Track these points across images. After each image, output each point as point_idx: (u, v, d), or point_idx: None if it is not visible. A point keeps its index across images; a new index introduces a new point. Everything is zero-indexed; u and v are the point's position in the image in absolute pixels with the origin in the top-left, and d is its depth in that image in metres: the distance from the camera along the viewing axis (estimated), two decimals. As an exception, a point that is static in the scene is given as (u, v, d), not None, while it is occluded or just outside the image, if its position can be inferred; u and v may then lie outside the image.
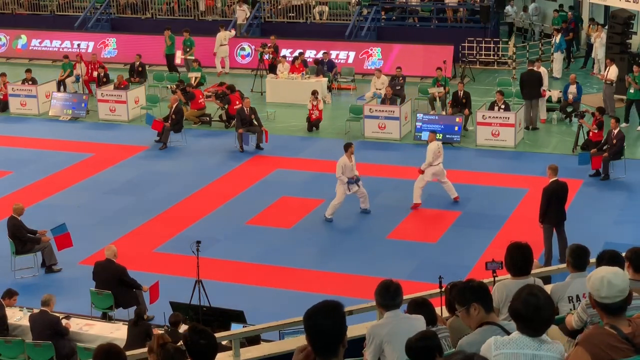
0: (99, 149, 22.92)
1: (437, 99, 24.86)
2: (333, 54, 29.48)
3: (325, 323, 4.53)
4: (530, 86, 23.38)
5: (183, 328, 11.75)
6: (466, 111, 23.34)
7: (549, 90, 24.73)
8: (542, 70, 23.92)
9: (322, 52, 29.12)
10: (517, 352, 4.82)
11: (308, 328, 4.58)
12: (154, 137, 23.27)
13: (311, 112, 23.88)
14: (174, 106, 23.17)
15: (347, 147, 18.12)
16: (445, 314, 8.37)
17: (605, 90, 24.09)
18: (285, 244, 17.11)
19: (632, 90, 23.08)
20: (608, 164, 19.67)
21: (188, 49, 29.60)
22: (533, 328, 4.84)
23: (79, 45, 29.90)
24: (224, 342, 9.88)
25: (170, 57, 29.77)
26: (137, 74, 28.25)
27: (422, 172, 18.34)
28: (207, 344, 5.23)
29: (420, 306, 7.40)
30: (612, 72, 23.96)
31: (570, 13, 31.20)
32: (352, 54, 30.05)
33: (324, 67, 27.98)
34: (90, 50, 31.30)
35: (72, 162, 21.96)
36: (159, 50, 30.05)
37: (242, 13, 31.88)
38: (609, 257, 6.51)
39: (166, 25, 31.50)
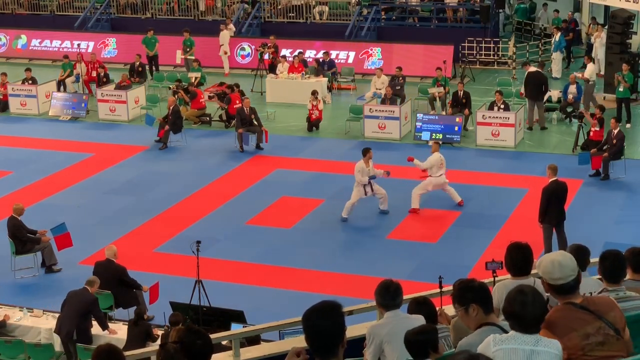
0: (99, 149, 22.92)
1: (437, 99, 24.86)
2: (333, 54, 29.47)
3: (324, 323, 4.52)
4: (534, 87, 23.36)
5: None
6: (466, 111, 23.34)
7: (549, 90, 24.74)
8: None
9: (322, 52, 29.09)
10: (516, 347, 4.87)
11: (307, 328, 4.56)
12: (154, 137, 23.28)
13: (311, 112, 23.88)
14: (172, 107, 23.15)
15: (365, 152, 17.97)
16: (450, 312, 8.32)
17: (585, 89, 24.31)
18: (285, 244, 17.11)
19: (621, 89, 23.12)
20: (608, 164, 19.67)
21: (188, 49, 29.60)
22: (522, 325, 4.91)
23: (79, 45, 29.88)
24: (224, 342, 9.87)
25: (154, 59, 29.72)
26: (137, 74, 28.24)
27: (425, 171, 18.24)
28: (204, 344, 5.22)
29: (422, 305, 7.39)
30: (589, 71, 24.28)
31: (570, 13, 31.24)
32: (352, 54, 30.05)
33: (324, 67, 28.00)
34: (90, 50, 31.29)
35: (72, 162, 21.96)
36: (159, 50, 30.00)
37: (228, 33, 31.48)
38: (614, 258, 6.47)
39: (167, 25, 31.53)
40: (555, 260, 5.31)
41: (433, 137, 22.35)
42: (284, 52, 29.66)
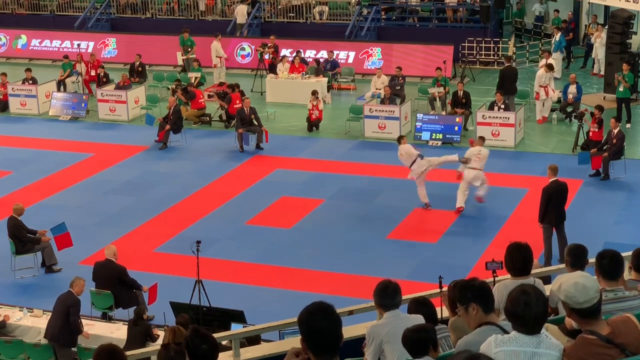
0: (99, 149, 22.92)
1: (437, 99, 24.87)
2: (333, 53, 29.44)
3: (324, 323, 4.54)
4: (510, 82, 24.06)
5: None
6: (462, 110, 23.28)
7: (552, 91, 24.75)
8: (541, 71, 24.05)
9: (327, 51, 29.05)
10: (517, 350, 4.84)
11: (307, 330, 4.55)
12: (154, 137, 23.27)
13: (311, 112, 23.88)
14: (172, 107, 23.14)
15: (400, 139, 18.59)
16: (446, 314, 8.34)
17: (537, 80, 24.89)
18: (285, 244, 17.11)
19: (621, 89, 23.14)
20: (608, 164, 19.67)
21: (189, 49, 29.52)
22: (525, 325, 4.87)
23: (79, 45, 29.90)
24: (224, 342, 9.87)
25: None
26: (137, 74, 28.23)
27: (463, 163, 18.35)
28: (209, 349, 5.21)
29: (421, 305, 7.38)
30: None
31: (570, 12, 31.25)
32: (352, 54, 30.05)
33: (327, 65, 28.03)
34: (90, 50, 31.30)
35: (72, 162, 21.96)
36: (159, 50, 30.00)
37: (243, 11, 31.52)
38: (611, 256, 6.47)
39: (167, 25, 31.47)
40: (578, 283, 5.02)
41: (433, 137, 22.38)
42: (284, 52, 29.64)
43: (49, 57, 32.44)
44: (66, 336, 12.76)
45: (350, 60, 29.90)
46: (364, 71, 29.33)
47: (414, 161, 18.12)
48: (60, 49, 31.95)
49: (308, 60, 28.75)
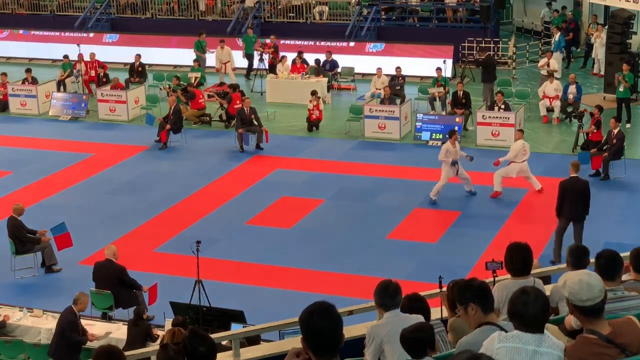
0: (99, 149, 22.92)
1: (437, 99, 24.87)
2: (331, 54, 29.40)
3: (325, 323, 4.54)
4: (487, 70, 24.92)
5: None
6: (462, 110, 23.29)
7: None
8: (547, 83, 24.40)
9: (326, 52, 29.04)
10: (519, 347, 4.88)
11: (308, 330, 4.56)
12: (154, 137, 23.27)
13: (311, 112, 23.87)
14: (172, 107, 23.14)
15: (452, 134, 18.94)
16: (445, 314, 8.34)
17: (542, 81, 25.43)
18: (285, 244, 17.11)
19: (621, 89, 23.14)
20: (608, 164, 19.67)
21: (203, 49, 29.34)
22: (524, 324, 4.91)
23: (79, 45, 29.85)
24: (224, 342, 9.88)
25: (250, 57, 29.49)
26: (137, 74, 28.21)
27: (497, 163, 18.98)
28: (207, 351, 5.19)
29: (414, 301, 7.38)
30: (553, 64, 25.57)
31: (570, 13, 31.23)
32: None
33: (327, 66, 28.01)
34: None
35: (72, 162, 21.96)
36: (158, 50, 29.96)
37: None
38: (608, 256, 6.48)
39: (167, 25, 31.36)
40: (582, 280, 5.04)
41: (433, 137, 22.38)
42: (285, 52, 29.58)
43: (49, 57, 32.41)
44: (64, 357, 12.70)
45: (350, 60, 29.86)
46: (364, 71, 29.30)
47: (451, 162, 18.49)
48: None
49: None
